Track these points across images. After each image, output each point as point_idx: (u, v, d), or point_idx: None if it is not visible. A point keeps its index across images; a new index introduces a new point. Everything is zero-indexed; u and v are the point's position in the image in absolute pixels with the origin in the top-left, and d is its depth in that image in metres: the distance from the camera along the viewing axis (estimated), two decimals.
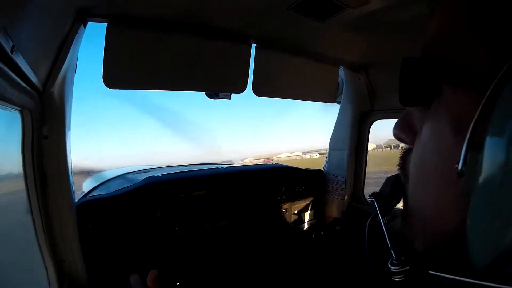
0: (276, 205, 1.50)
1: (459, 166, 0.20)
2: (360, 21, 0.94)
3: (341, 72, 1.55)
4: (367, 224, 0.35)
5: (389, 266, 0.26)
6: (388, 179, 0.36)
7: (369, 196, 0.36)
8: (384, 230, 0.31)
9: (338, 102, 1.65)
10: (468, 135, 0.20)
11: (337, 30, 1.02)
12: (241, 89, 1.19)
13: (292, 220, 1.58)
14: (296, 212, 1.59)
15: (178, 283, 1.02)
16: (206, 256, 1.26)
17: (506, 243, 0.17)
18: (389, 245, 0.29)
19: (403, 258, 0.26)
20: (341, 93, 1.61)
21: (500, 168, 0.18)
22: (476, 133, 0.19)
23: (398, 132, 0.31)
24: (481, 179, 0.19)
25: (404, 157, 0.31)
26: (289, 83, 1.36)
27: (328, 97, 1.58)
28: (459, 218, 0.21)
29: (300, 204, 1.61)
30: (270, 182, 1.49)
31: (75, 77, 0.89)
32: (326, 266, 1.47)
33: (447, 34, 0.25)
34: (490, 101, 0.19)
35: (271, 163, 1.69)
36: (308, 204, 1.65)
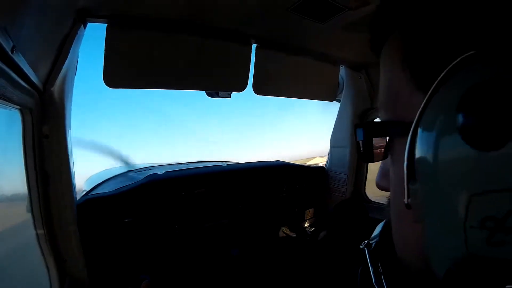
0: (277, 202, 1.50)
1: (405, 200, 0.24)
2: (361, 22, 0.94)
3: (341, 70, 1.55)
4: (359, 273, 0.38)
5: None
6: (378, 226, 0.40)
7: (361, 245, 0.39)
8: (372, 276, 0.34)
9: (338, 101, 1.65)
10: (405, 173, 0.23)
11: (338, 30, 1.02)
12: (241, 88, 1.19)
13: (292, 218, 1.59)
14: (297, 209, 1.60)
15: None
16: (203, 252, 1.26)
17: (450, 256, 0.20)
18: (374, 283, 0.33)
19: None
20: (341, 91, 1.61)
21: (428, 197, 0.22)
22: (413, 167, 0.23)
23: (379, 181, 0.34)
24: (420, 208, 0.23)
25: (389, 203, 0.34)
26: (289, 82, 1.36)
27: (328, 96, 1.58)
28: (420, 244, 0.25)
29: (301, 202, 1.62)
30: (272, 179, 1.49)
31: (75, 76, 0.89)
32: (320, 264, 1.48)
33: (387, 93, 0.28)
34: (415, 136, 0.22)
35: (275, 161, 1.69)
36: (309, 202, 1.66)
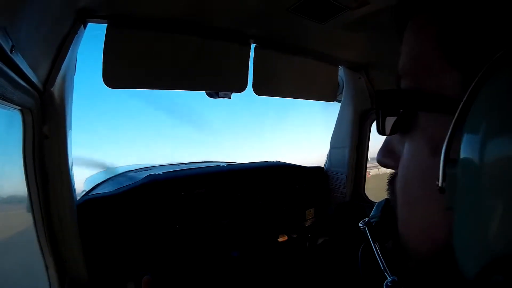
0: (276, 202, 1.50)
1: (439, 183, 0.21)
2: (360, 21, 0.94)
3: (341, 71, 1.56)
4: (360, 251, 0.36)
5: None
6: (378, 204, 0.37)
7: (360, 223, 0.37)
8: (377, 256, 0.32)
9: (339, 101, 1.65)
10: (443, 154, 0.21)
11: (337, 30, 1.02)
12: (241, 88, 1.19)
13: (292, 218, 1.59)
14: (297, 209, 1.60)
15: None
16: (203, 252, 1.26)
17: (492, 250, 0.18)
18: (382, 268, 0.30)
19: (396, 280, 0.27)
20: (341, 92, 1.62)
21: (475, 181, 0.19)
22: (451, 151, 0.21)
23: (382, 159, 0.32)
24: (460, 192, 0.21)
25: (392, 182, 0.32)
26: (289, 82, 1.36)
27: (328, 96, 1.58)
28: (444, 232, 0.23)
29: (301, 202, 1.62)
30: (271, 179, 1.49)
31: (75, 76, 0.89)
32: (321, 267, 1.48)
33: (415, 63, 0.26)
34: (460, 120, 0.20)
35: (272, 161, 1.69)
36: (309, 202, 1.66)
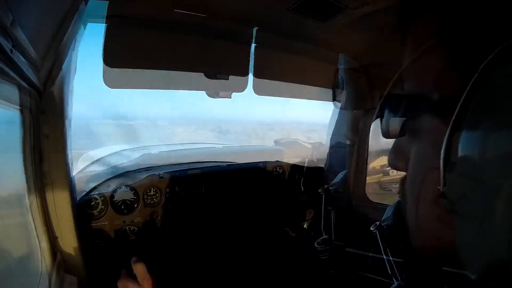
0: (276, 202, 1.50)
1: (441, 188, 0.21)
2: (360, 21, 0.94)
3: (341, 70, 1.56)
4: (370, 257, 0.36)
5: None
6: (390, 207, 0.37)
7: (372, 227, 0.37)
8: (386, 259, 0.33)
9: (337, 101, 1.65)
10: (442, 157, 0.21)
11: (338, 30, 1.03)
12: (241, 88, 1.19)
13: (292, 218, 1.58)
14: (296, 209, 1.60)
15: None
16: (205, 254, 1.26)
17: (493, 254, 0.18)
18: (390, 272, 0.30)
19: (403, 284, 0.28)
20: (340, 91, 1.61)
21: (474, 185, 0.19)
22: (452, 154, 0.20)
23: (393, 161, 0.32)
24: (459, 195, 0.20)
25: (403, 183, 0.32)
26: (289, 82, 1.36)
27: (327, 96, 1.58)
28: (451, 234, 0.22)
29: (301, 202, 1.62)
30: (272, 179, 1.49)
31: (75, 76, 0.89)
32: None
33: (417, 65, 0.27)
34: (459, 121, 0.20)
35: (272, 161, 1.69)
36: (309, 202, 1.66)
